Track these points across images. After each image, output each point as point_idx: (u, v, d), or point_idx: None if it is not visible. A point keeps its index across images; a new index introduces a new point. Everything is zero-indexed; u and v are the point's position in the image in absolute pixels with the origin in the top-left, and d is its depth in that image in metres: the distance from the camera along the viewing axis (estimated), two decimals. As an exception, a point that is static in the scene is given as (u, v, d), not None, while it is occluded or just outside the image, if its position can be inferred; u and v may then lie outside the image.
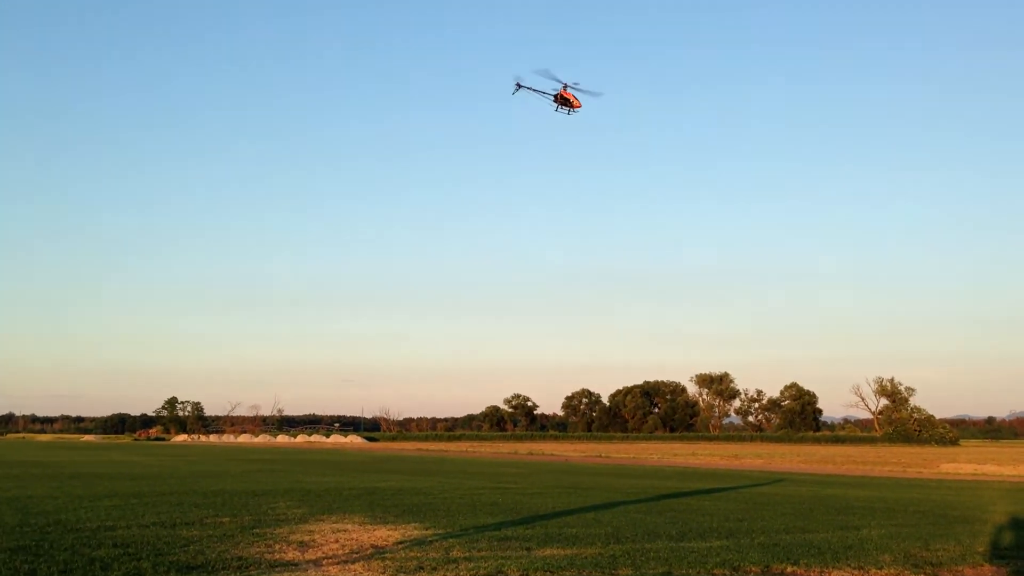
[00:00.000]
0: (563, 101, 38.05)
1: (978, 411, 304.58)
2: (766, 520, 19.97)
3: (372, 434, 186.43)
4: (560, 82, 38.35)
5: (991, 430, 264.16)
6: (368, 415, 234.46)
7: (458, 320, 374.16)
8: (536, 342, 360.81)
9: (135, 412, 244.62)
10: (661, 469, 52.49)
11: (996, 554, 14.71)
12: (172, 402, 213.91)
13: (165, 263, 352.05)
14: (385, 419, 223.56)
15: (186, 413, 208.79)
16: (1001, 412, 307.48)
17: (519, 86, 38.02)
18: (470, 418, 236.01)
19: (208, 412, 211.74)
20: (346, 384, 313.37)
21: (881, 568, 12.96)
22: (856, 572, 12.63)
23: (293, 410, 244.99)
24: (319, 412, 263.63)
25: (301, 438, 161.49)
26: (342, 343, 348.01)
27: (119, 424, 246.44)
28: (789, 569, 12.77)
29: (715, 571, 12.43)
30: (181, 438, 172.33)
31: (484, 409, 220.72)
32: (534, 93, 38.50)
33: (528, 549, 14.41)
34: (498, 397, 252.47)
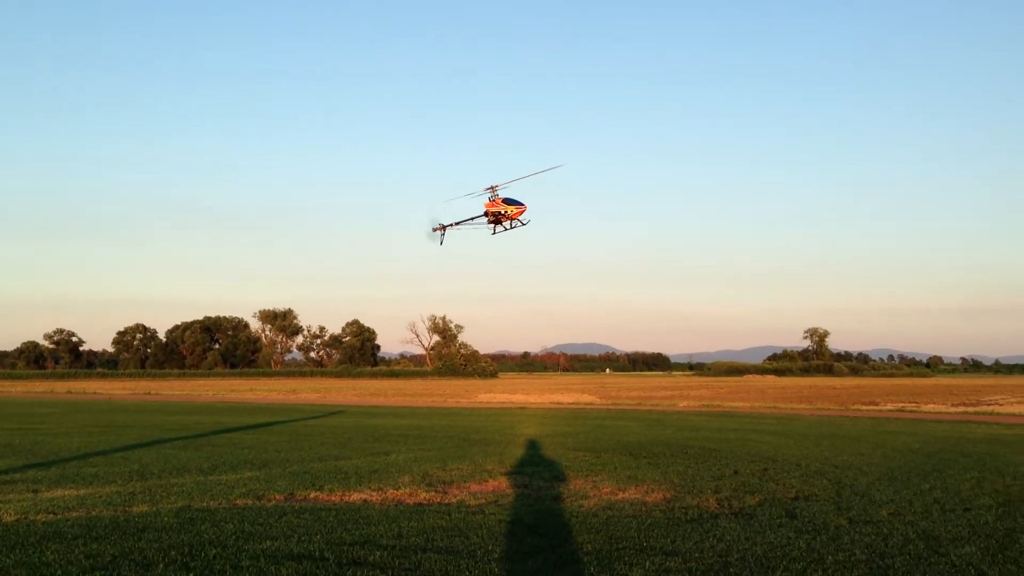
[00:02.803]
0: (496, 218, 28.45)
1: (516, 346, 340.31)
2: (304, 450, 20.40)
3: None
4: (487, 191, 28.13)
5: (526, 364, 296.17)
6: None
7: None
8: (85, 273, 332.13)
9: None
10: (214, 405, 51.22)
11: (504, 471, 16.42)
12: None
13: None
14: None
15: None
16: (535, 348, 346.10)
17: (442, 228, 28.75)
18: (2, 355, 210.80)
19: None
20: None
21: (399, 488, 13.85)
22: (374, 492, 13.38)
23: None
24: None
25: None
26: None
27: None
28: (312, 494, 13.15)
29: (237, 501, 12.40)
30: None
31: (19, 345, 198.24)
32: (462, 226, 28.91)
33: (35, 492, 13.25)
34: (37, 332, 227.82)
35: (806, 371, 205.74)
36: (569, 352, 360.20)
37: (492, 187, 28.05)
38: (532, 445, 22.24)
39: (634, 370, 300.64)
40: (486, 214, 28.47)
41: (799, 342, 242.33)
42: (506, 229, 28.68)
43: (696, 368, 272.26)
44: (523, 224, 28.69)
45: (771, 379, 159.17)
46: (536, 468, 16.87)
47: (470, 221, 28.85)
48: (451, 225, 28.99)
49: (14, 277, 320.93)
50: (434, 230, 29.13)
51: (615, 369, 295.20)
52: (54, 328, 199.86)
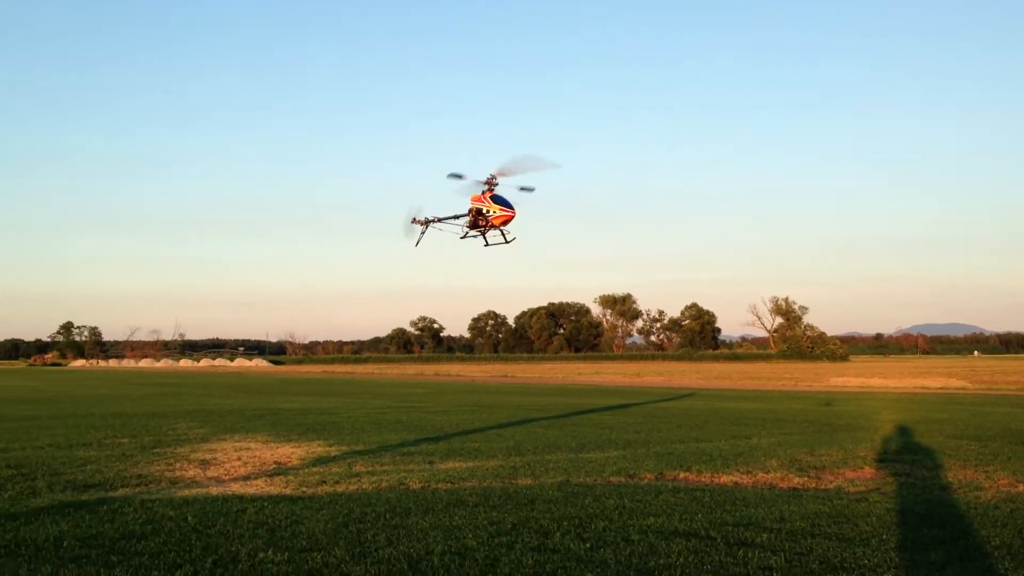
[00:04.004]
0: (475, 220, 21.50)
1: (867, 328, 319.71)
2: (662, 432, 20.69)
3: (278, 357, 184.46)
4: (480, 181, 21.01)
5: (879, 346, 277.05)
6: (273, 339, 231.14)
7: (363, 242, 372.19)
8: (443, 264, 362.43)
9: (29, 337, 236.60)
10: (565, 387, 53.59)
11: (877, 458, 15.54)
12: (68, 327, 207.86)
13: (50, 181, 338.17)
14: (291, 342, 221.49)
15: (83, 338, 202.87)
16: (888, 329, 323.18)
17: (425, 223, 22.76)
18: (376, 340, 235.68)
19: (106, 337, 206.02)
20: (249, 308, 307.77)
21: (768, 472, 13.60)
22: (744, 476, 13.24)
23: (195, 334, 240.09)
24: (222, 336, 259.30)
25: (204, 362, 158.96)
26: (246, 266, 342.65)
27: (12, 350, 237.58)
28: (682, 475, 13.30)
29: (611, 478, 12.86)
30: (79, 363, 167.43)
31: (390, 331, 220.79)
32: (444, 224, 22.65)
33: (431, 463, 14.64)
34: (404, 319, 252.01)
35: None
36: (928, 333, 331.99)
37: (491, 176, 21.18)
38: (902, 431, 20.83)
39: (1008, 352, 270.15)
40: (470, 211, 21.82)
41: None
42: (484, 238, 21.80)
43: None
44: (506, 241, 21.70)
45: None
46: (913, 456, 15.78)
47: (455, 220, 22.34)
48: (434, 220, 22.79)
49: (385, 271, 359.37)
50: (413, 221, 22.91)
51: (984, 351, 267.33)
52: (418, 316, 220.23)
